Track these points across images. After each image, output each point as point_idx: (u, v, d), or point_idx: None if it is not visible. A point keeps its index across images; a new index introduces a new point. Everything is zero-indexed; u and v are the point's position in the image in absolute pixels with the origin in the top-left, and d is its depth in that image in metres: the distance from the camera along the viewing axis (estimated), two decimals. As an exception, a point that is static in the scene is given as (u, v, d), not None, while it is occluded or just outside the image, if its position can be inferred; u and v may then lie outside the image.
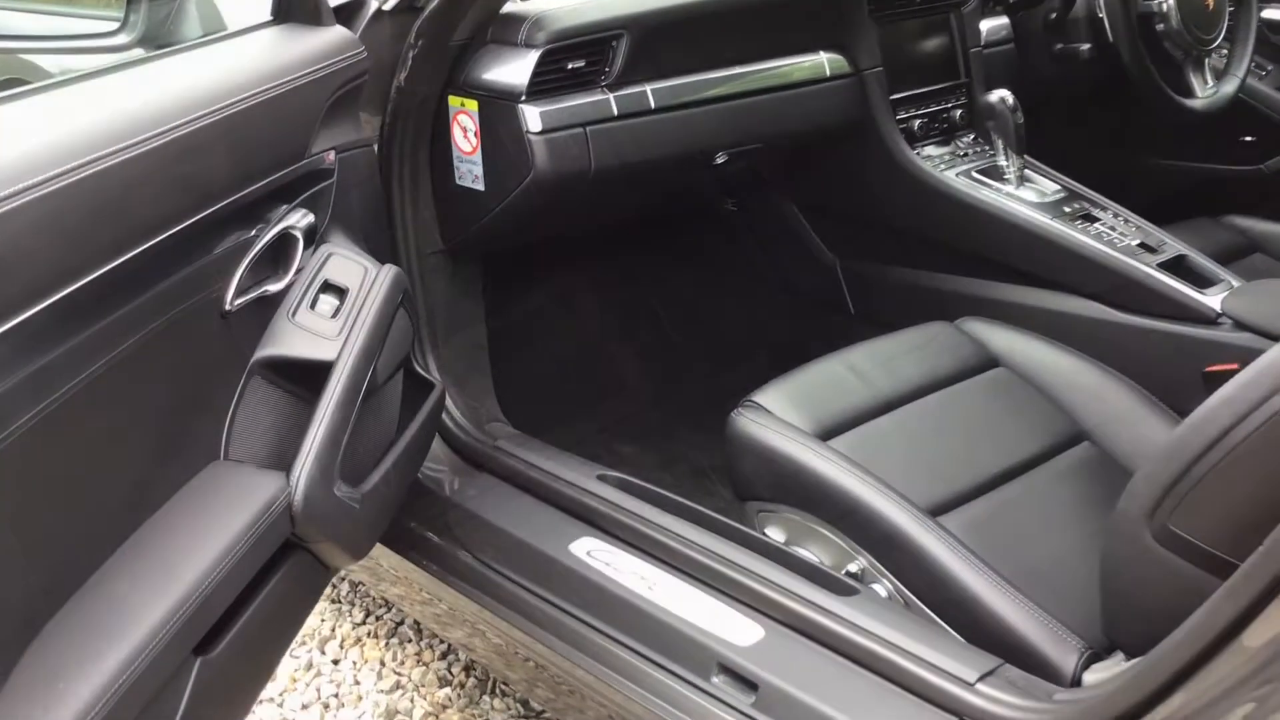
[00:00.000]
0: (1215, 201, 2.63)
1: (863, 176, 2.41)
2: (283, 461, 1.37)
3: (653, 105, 1.99)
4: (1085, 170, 2.49)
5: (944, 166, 2.35)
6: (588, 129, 1.91)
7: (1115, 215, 2.25)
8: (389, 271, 1.57)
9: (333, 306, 1.48)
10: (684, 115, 2.04)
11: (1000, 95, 2.28)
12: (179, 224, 1.23)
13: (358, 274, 1.52)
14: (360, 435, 1.47)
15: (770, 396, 1.88)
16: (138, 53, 1.57)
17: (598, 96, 1.94)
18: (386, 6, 1.84)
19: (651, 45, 1.97)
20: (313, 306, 1.47)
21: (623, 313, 2.74)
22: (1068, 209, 2.24)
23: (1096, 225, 2.20)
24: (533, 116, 1.86)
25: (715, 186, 2.44)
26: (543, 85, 1.88)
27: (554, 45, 1.86)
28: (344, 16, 1.80)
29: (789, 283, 2.67)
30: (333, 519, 1.40)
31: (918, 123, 2.38)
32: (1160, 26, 2.44)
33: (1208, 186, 2.85)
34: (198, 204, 1.27)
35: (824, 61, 2.26)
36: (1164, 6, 2.40)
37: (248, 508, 1.25)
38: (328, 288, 1.50)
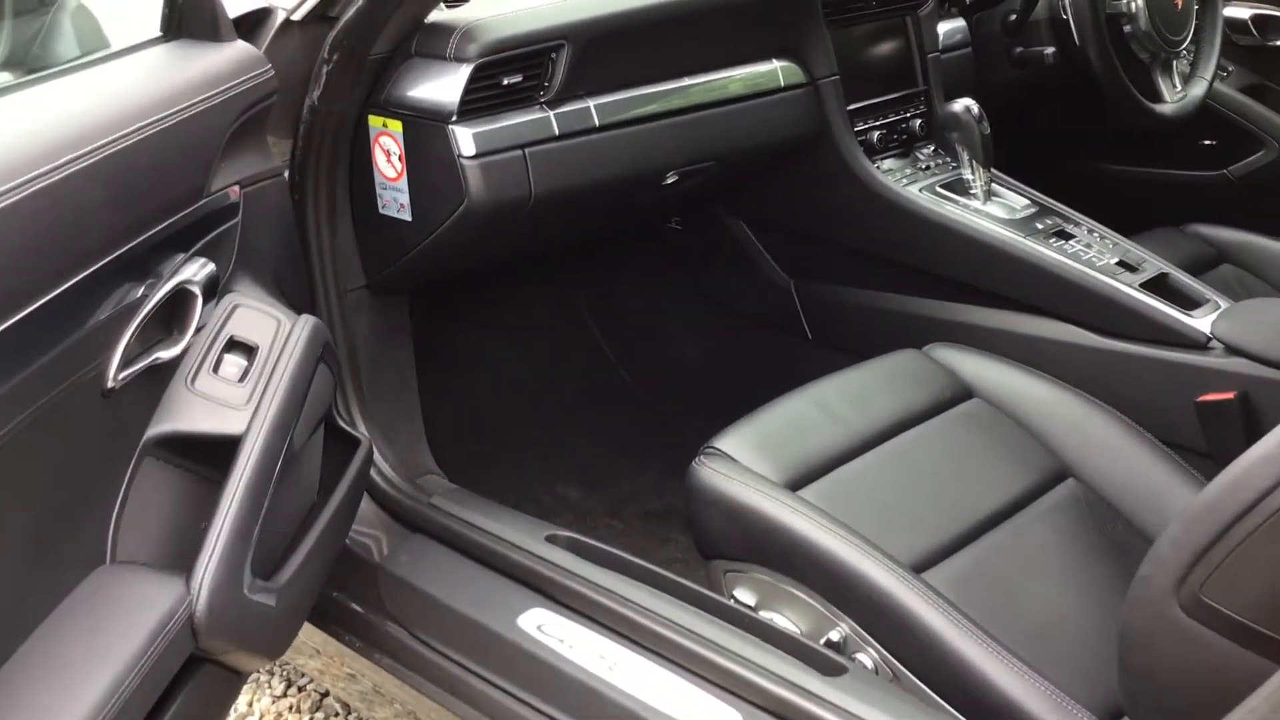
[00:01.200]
0: (1177, 209, 2.51)
1: (819, 192, 2.25)
2: (182, 560, 1.16)
3: (597, 123, 1.81)
4: (1043, 178, 2.36)
5: (906, 181, 2.19)
6: (527, 151, 1.72)
7: (1090, 231, 2.11)
8: (306, 323, 1.36)
9: (240, 368, 1.28)
10: (631, 133, 1.86)
11: (964, 104, 2.13)
12: (48, 293, 1.01)
13: (269, 328, 1.32)
14: (275, 514, 1.27)
15: (733, 442, 1.71)
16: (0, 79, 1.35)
17: (537, 115, 1.75)
18: (296, 16, 1.63)
19: (595, 57, 1.79)
20: (216, 370, 1.26)
21: (562, 343, 2.56)
22: (1040, 225, 2.09)
23: (1071, 243, 2.06)
24: (465, 139, 1.66)
25: (659, 205, 2.26)
26: (476, 104, 1.68)
27: (488, 59, 1.66)
28: (246, 29, 1.59)
29: (741, 306, 2.49)
30: (243, 625, 1.19)
31: (876, 134, 2.22)
32: (1128, 28, 2.30)
33: (1169, 193, 2.73)
34: (72, 266, 1.06)
35: (777, 70, 2.09)
36: (1133, 7, 2.27)
37: (140, 626, 1.04)
38: (234, 346, 1.30)
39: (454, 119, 1.66)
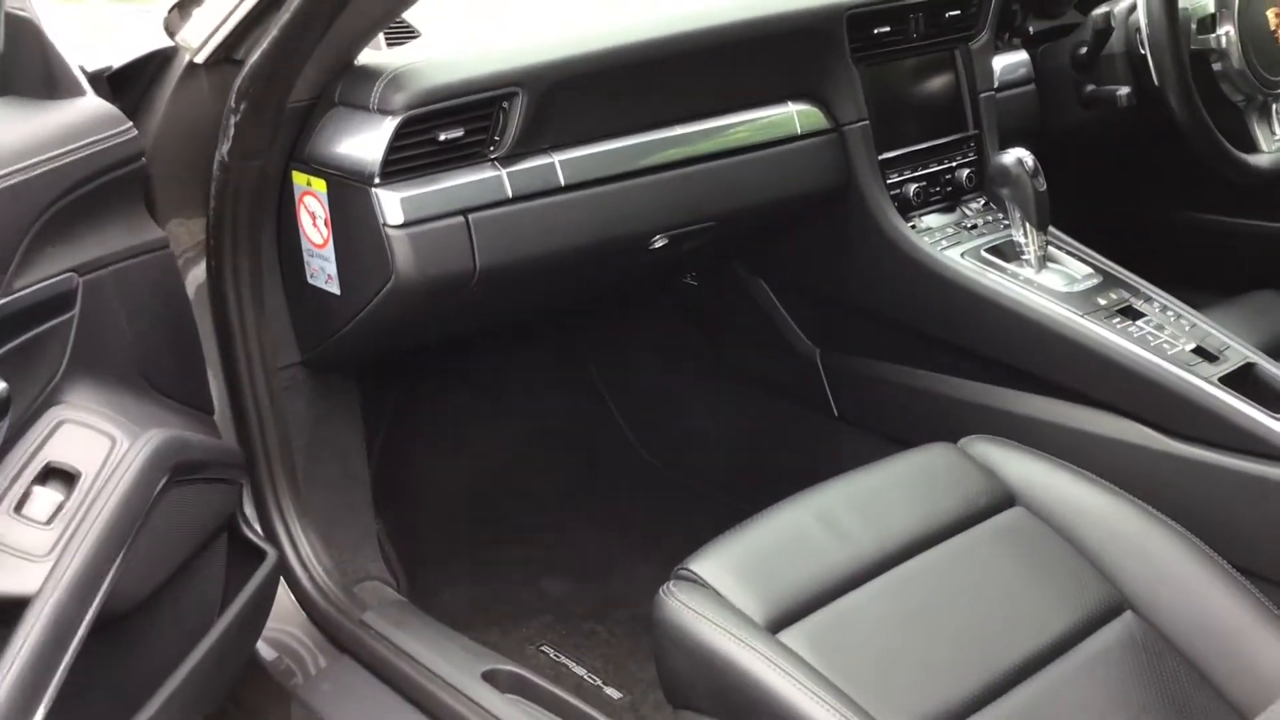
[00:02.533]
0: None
1: (844, 253, 1.95)
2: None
3: (562, 181, 1.54)
4: (1115, 229, 2.03)
5: (946, 243, 1.88)
6: (470, 218, 1.46)
7: (1163, 309, 1.78)
8: (149, 442, 1.11)
9: (53, 505, 1.03)
10: (606, 192, 1.59)
11: (1017, 156, 1.81)
12: None
13: (99, 450, 1.08)
14: (96, 689, 1.02)
15: (712, 566, 1.43)
16: None
17: (485, 173, 1.48)
18: (199, 58, 1.40)
19: (560, 104, 1.52)
20: (19, 508, 1.01)
21: (553, 411, 2.29)
22: (1102, 300, 1.77)
23: (1140, 323, 1.73)
24: (391, 204, 1.40)
25: (652, 269, 1.97)
26: (405, 162, 1.42)
27: (417, 111, 1.40)
28: (152, 71, 1.36)
29: (762, 375, 2.20)
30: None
31: (914, 187, 1.91)
32: (1218, 66, 1.96)
33: (1271, 249, 2.36)
34: None
35: (793, 115, 1.80)
36: (1223, 42, 1.93)
37: None
38: (51, 475, 1.05)
39: (377, 181, 1.40)
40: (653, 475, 2.28)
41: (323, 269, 1.50)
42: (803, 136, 1.81)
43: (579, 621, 1.91)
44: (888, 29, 1.86)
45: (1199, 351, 1.69)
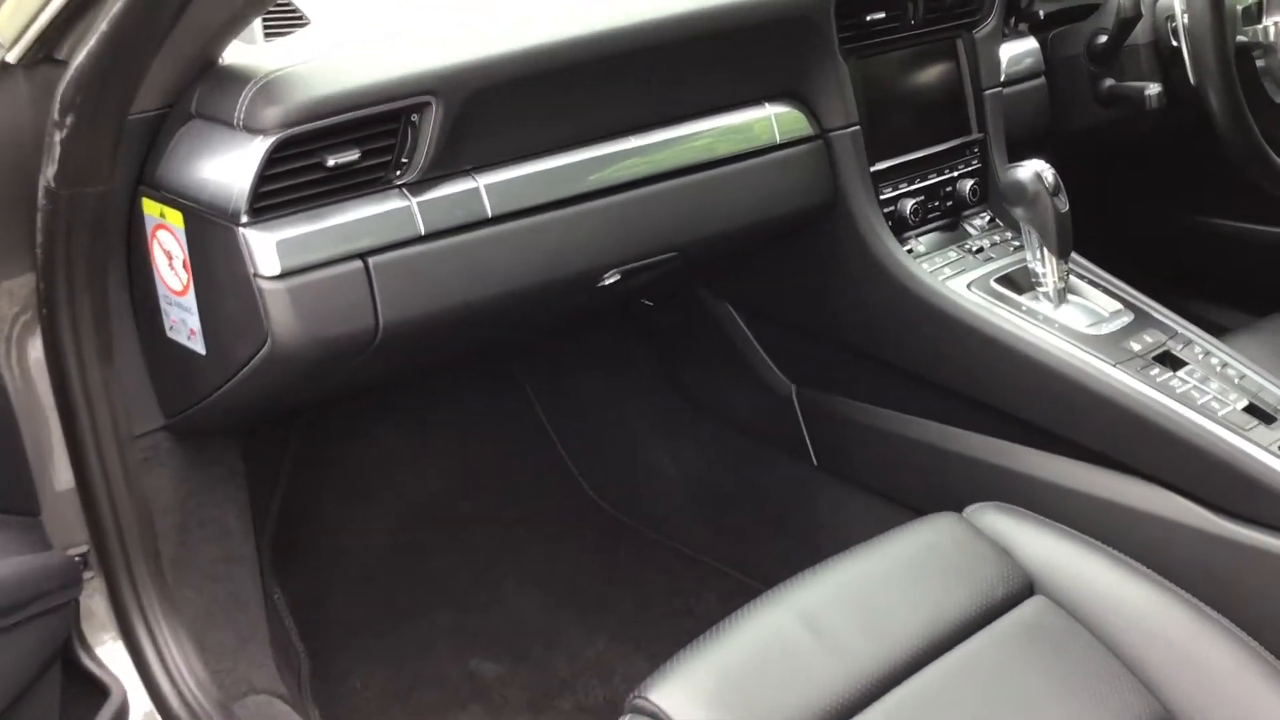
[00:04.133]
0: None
1: (828, 282, 1.66)
2: None
3: (489, 211, 1.23)
4: (1133, 240, 1.75)
5: (950, 271, 1.59)
6: (371, 262, 1.15)
7: (1206, 355, 1.50)
8: None
9: None
10: (545, 223, 1.28)
11: (1034, 170, 1.51)
12: None
13: None
14: None
15: (674, 694, 1.15)
16: None
17: (389, 204, 1.17)
18: (10, 57, 1.06)
19: (485, 114, 1.20)
20: None
21: (487, 447, 1.98)
22: (1135, 345, 1.49)
23: (1182, 374, 1.46)
24: (263, 249, 1.09)
25: (605, 302, 1.66)
26: (283, 194, 1.11)
27: (297, 130, 1.08)
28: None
29: (726, 409, 1.91)
30: None
31: (910, 204, 1.62)
32: (1261, 62, 1.69)
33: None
34: None
35: (771, 119, 1.50)
36: (1270, 34, 1.64)
37: None
38: None
39: (244, 219, 1.08)
40: (602, 521, 1.98)
41: (183, 321, 1.18)
42: (783, 145, 1.51)
43: (513, 714, 1.62)
44: (882, 15, 1.56)
45: (1253, 410, 1.42)
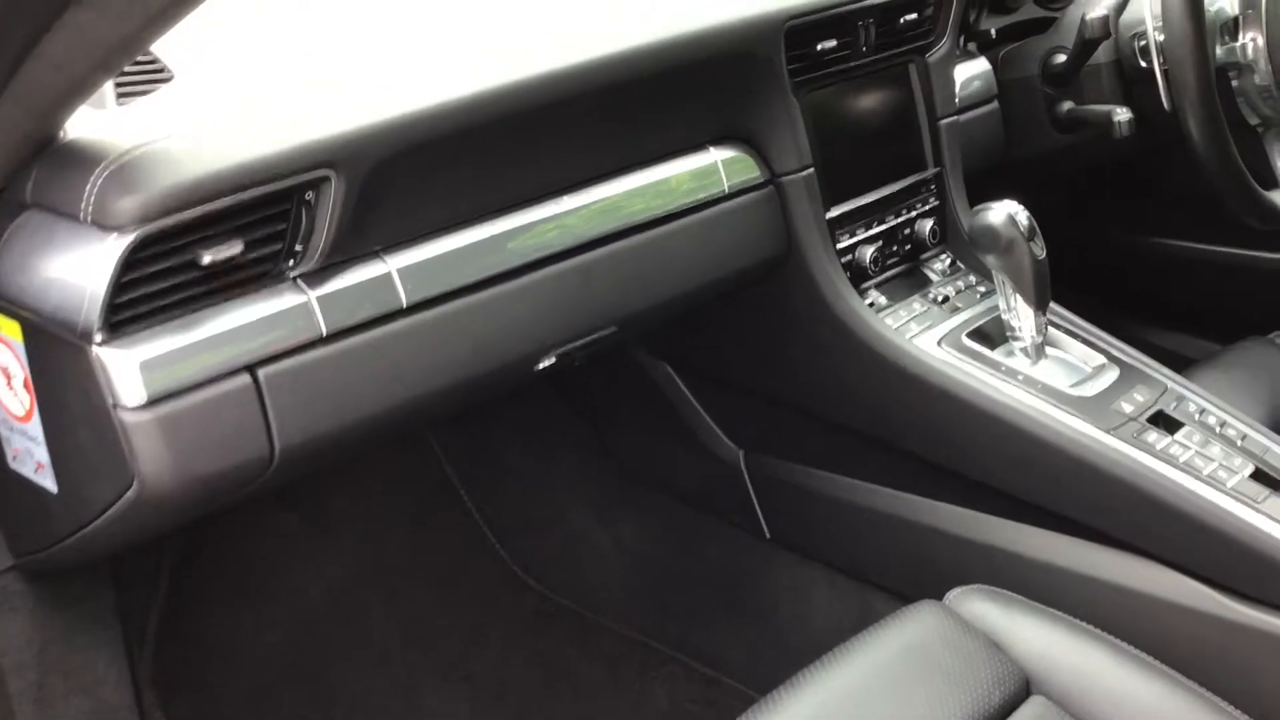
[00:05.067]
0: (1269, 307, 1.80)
1: (779, 341, 1.48)
2: None
3: (404, 300, 1.02)
4: (1090, 267, 1.62)
5: (916, 327, 1.43)
6: (261, 374, 0.93)
7: (1202, 411, 1.36)
8: None
9: None
10: (470, 306, 1.08)
11: (1007, 212, 1.36)
12: None
13: None
14: None
15: None
16: None
17: (282, 302, 0.96)
18: None
19: (396, 185, 1.00)
20: None
21: (397, 527, 1.77)
22: (1127, 405, 1.34)
23: (1179, 437, 1.31)
24: (124, 373, 0.87)
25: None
26: (147, 301, 0.89)
27: (161, 224, 0.86)
28: None
29: (666, 477, 1.72)
30: None
31: (869, 251, 1.45)
32: (1236, 81, 1.54)
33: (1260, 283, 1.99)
34: None
35: (718, 165, 1.32)
36: (1248, 51, 1.51)
37: None
38: None
39: (99, 338, 0.86)
40: (532, 603, 1.79)
41: (29, 452, 0.95)
42: (732, 195, 1.33)
43: None
44: (833, 42, 1.39)
45: (1261, 478, 1.28)
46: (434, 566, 1.77)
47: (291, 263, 0.96)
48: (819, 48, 1.37)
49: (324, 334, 0.96)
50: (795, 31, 1.33)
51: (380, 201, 0.99)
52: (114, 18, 0.68)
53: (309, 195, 0.94)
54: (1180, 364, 1.76)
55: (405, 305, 1.02)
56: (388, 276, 1.01)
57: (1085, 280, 2.08)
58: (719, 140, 1.33)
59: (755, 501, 1.62)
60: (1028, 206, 1.37)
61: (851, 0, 1.38)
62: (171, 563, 1.45)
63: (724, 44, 1.25)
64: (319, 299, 0.96)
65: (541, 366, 1.19)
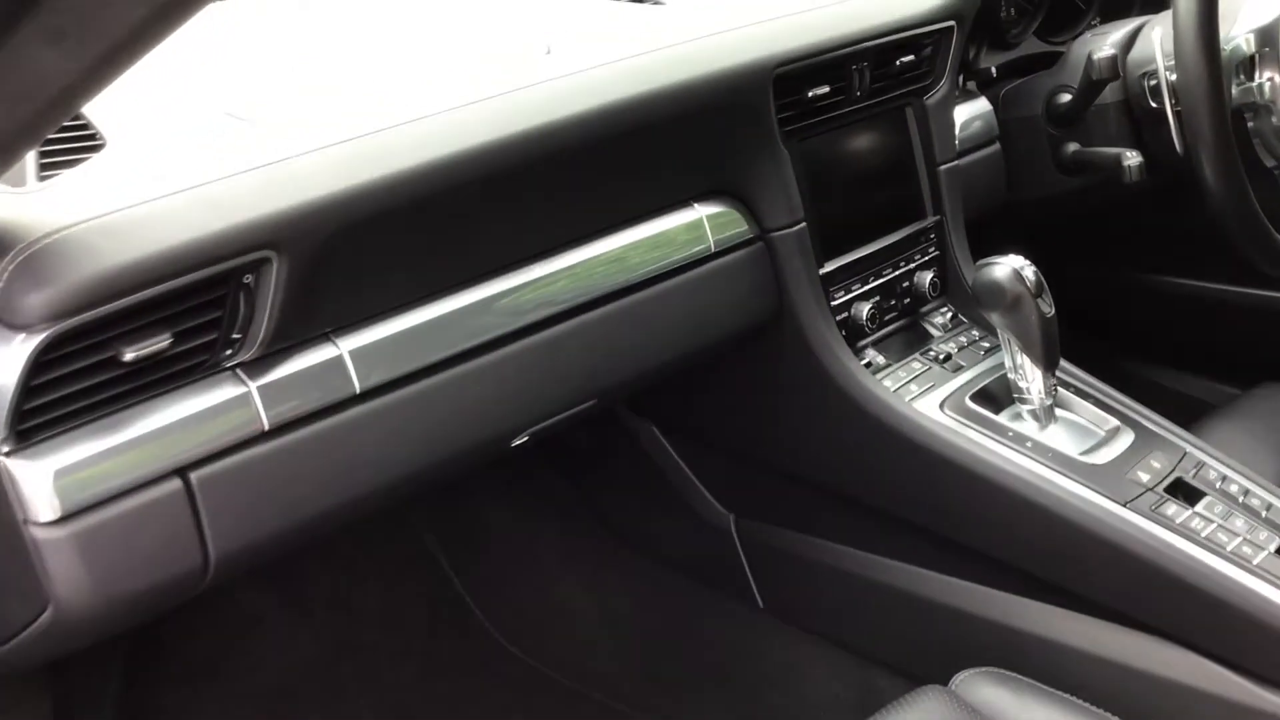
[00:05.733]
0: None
1: (771, 405, 1.40)
2: None
3: (358, 387, 0.93)
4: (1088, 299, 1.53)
5: (916, 388, 1.34)
6: (194, 477, 0.84)
7: (1224, 479, 1.27)
8: None
9: None
10: (433, 389, 0.99)
11: (1013, 267, 1.27)
12: None
13: None
14: None
15: None
16: None
17: (219, 394, 0.87)
18: None
19: (347, 263, 0.91)
20: None
21: (369, 593, 1.68)
22: (1143, 474, 1.25)
23: (1200, 508, 1.23)
24: (36, 486, 0.78)
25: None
26: (61, 404, 0.80)
27: (76, 321, 0.77)
28: None
29: (653, 541, 1.63)
30: None
31: (866, 307, 1.37)
32: (1252, 123, 1.46)
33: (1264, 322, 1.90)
34: None
35: (704, 222, 1.23)
36: (1265, 91, 1.43)
37: None
38: None
39: (5, 448, 0.77)
40: (515, 673, 1.69)
41: (-59, 562, 0.86)
42: (719, 254, 1.24)
43: None
44: (825, 89, 1.30)
45: (1287, 553, 1.19)
46: (413, 638, 1.68)
47: (229, 352, 0.87)
48: (810, 95, 1.29)
49: (266, 428, 0.87)
50: (784, 79, 1.25)
51: (329, 280, 0.90)
52: (69, 49, 0.57)
53: (248, 279, 0.85)
54: (1195, 409, 1.68)
55: (359, 391, 0.93)
56: (339, 361, 0.92)
57: (1096, 321, 2.00)
58: (704, 196, 1.25)
59: (748, 570, 1.53)
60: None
61: (844, 44, 1.29)
62: (127, 647, 1.36)
63: (707, 96, 1.17)
64: (261, 389, 0.87)
65: (516, 444, 1.11)
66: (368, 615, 1.66)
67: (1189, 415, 1.59)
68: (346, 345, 0.93)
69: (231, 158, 0.87)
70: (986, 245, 1.54)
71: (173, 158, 0.88)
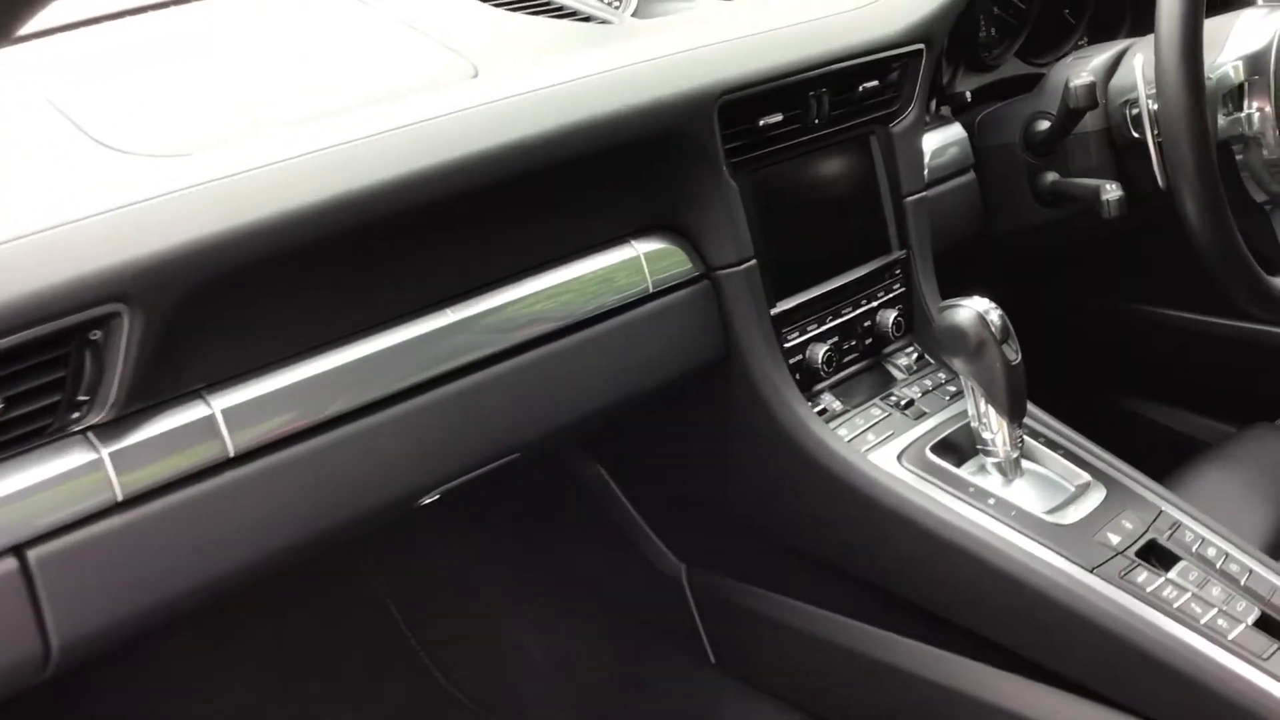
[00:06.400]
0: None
1: (721, 451, 1.31)
2: None
3: (231, 450, 0.85)
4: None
5: (874, 438, 1.26)
6: (31, 556, 0.76)
7: (1200, 541, 1.18)
8: None
9: None
10: (320, 450, 0.90)
11: (977, 311, 1.18)
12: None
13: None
14: None
15: None
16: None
17: (64, 461, 0.79)
18: None
19: (215, 314, 0.83)
20: None
21: (309, 637, 1.60)
22: (1113, 535, 1.17)
23: (1174, 575, 1.14)
24: None
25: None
26: None
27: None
28: None
29: (606, 592, 1.54)
30: None
31: (822, 350, 1.28)
32: (1240, 156, 1.37)
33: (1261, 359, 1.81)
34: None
35: (641, 260, 1.14)
36: (1254, 122, 1.33)
37: None
38: None
39: None
40: (459, 718, 1.60)
41: None
42: (658, 294, 1.15)
43: None
44: (778, 117, 1.21)
45: (1268, 625, 1.11)
46: (353, 683, 1.59)
47: (77, 415, 0.79)
48: (762, 123, 1.20)
49: (120, 499, 0.79)
50: (732, 107, 1.16)
51: (197, 333, 0.82)
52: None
53: (95, 334, 0.77)
54: (1185, 447, 1.59)
55: (233, 455, 0.84)
56: (210, 421, 0.84)
57: (1082, 353, 1.91)
58: (643, 232, 1.16)
59: (699, 622, 1.44)
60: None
61: (799, 70, 1.20)
62: (31, 704, 1.27)
63: (644, 127, 1.08)
64: (114, 455, 0.79)
65: (425, 503, 1.02)
66: (305, 658, 1.58)
67: (1178, 454, 1.51)
68: (220, 403, 0.84)
69: (90, 196, 0.79)
70: (963, 277, 1.45)
71: (18, 196, 0.79)
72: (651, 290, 1.14)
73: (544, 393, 1.06)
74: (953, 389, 1.34)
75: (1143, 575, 1.12)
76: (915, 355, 1.39)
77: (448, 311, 0.99)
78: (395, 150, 0.92)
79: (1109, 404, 1.92)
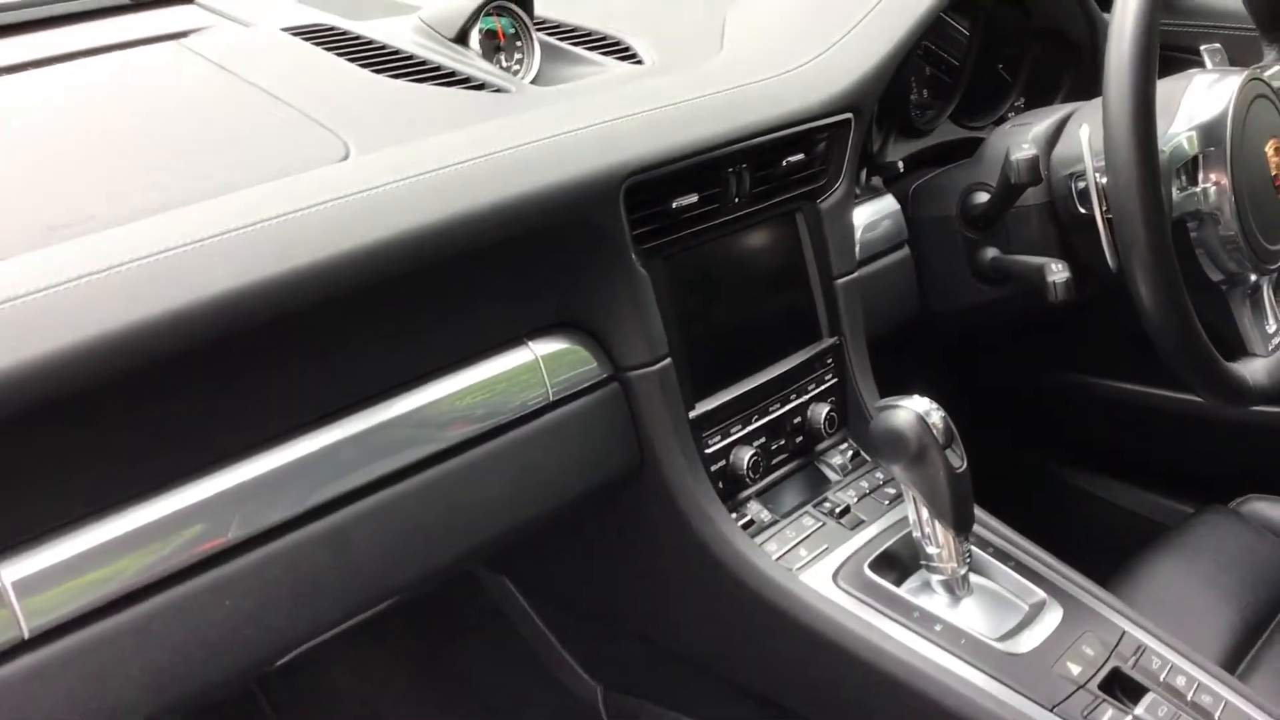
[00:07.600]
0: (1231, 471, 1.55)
1: (636, 568, 1.17)
2: None
3: (25, 631, 0.69)
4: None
5: (806, 553, 1.13)
6: None
7: (1170, 670, 1.06)
8: None
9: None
10: (146, 619, 0.75)
11: (917, 412, 1.06)
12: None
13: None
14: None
15: None
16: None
17: None
18: None
19: (5, 463, 0.67)
20: None
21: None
22: (1073, 665, 1.06)
23: (1139, 712, 1.02)
24: None
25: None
26: None
27: None
28: None
29: (519, 715, 1.39)
30: None
31: (747, 454, 1.14)
32: (1195, 233, 1.26)
33: (1213, 436, 1.72)
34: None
35: (539, 364, 1.00)
36: (1210, 197, 1.23)
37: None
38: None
39: None
40: None
41: None
42: (559, 402, 1.01)
43: None
44: (693, 198, 1.08)
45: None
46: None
47: None
48: (675, 205, 1.07)
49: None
50: (641, 187, 1.03)
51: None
52: None
53: None
54: (1143, 531, 1.50)
55: (27, 637, 0.69)
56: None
57: (1036, 430, 1.80)
58: (544, 331, 1.02)
59: (619, 751, 1.30)
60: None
61: (715, 146, 1.08)
62: None
63: (538, 216, 0.94)
64: None
65: (282, 663, 0.87)
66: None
67: (1132, 537, 1.41)
68: (10, 574, 0.69)
69: None
70: (900, 361, 1.34)
71: None
72: (552, 399, 1.01)
73: (426, 526, 0.91)
74: (892, 491, 1.22)
75: (1108, 714, 1.00)
76: (850, 453, 1.26)
77: (300, 442, 0.84)
78: (235, 255, 0.77)
79: (1060, 482, 1.81)
